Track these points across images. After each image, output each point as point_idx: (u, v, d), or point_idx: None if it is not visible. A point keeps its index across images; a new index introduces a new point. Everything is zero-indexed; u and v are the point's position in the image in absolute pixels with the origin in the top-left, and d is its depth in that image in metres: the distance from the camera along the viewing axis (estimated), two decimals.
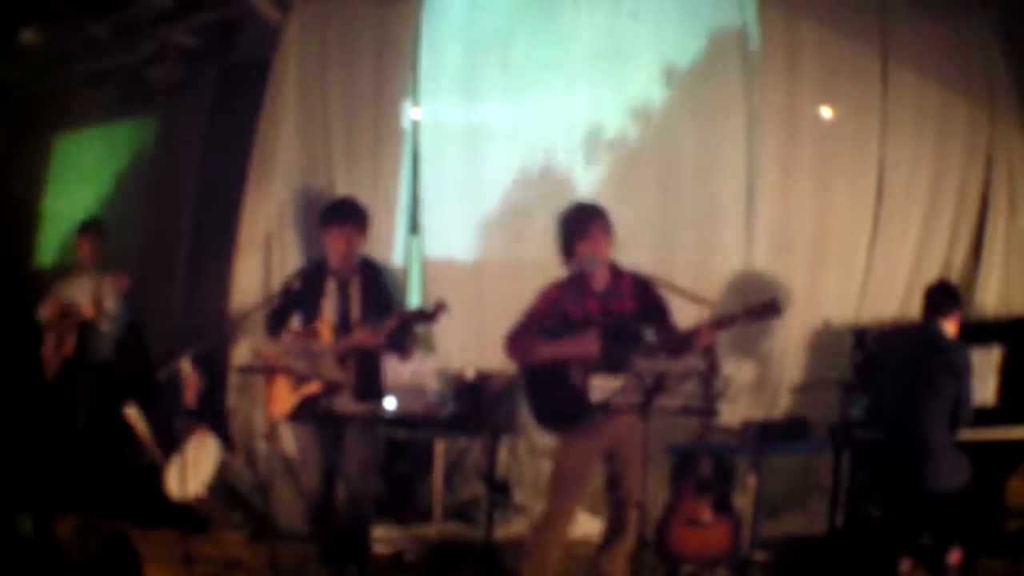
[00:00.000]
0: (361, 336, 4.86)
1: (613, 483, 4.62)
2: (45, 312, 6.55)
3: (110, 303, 6.56)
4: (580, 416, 4.42)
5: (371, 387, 5.03)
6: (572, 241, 4.56)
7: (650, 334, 4.50)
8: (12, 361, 6.81)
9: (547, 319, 4.57)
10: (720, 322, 4.45)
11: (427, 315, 4.84)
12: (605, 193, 6.42)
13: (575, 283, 4.61)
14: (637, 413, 4.34)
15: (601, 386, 4.22)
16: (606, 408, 4.30)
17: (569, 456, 4.58)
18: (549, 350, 4.49)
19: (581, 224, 4.56)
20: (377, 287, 5.12)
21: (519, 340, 4.57)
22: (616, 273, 4.63)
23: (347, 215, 5.09)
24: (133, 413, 5.88)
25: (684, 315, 4.64)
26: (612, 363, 4.34)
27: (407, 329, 5.01)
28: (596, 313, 4.55)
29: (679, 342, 4.41)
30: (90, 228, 6.85)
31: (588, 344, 4.42)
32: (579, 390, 4.40)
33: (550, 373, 4.50)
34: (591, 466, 4.59)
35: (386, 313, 4.96)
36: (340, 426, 4.93)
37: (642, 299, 4.61)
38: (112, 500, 6.08)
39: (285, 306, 5.20)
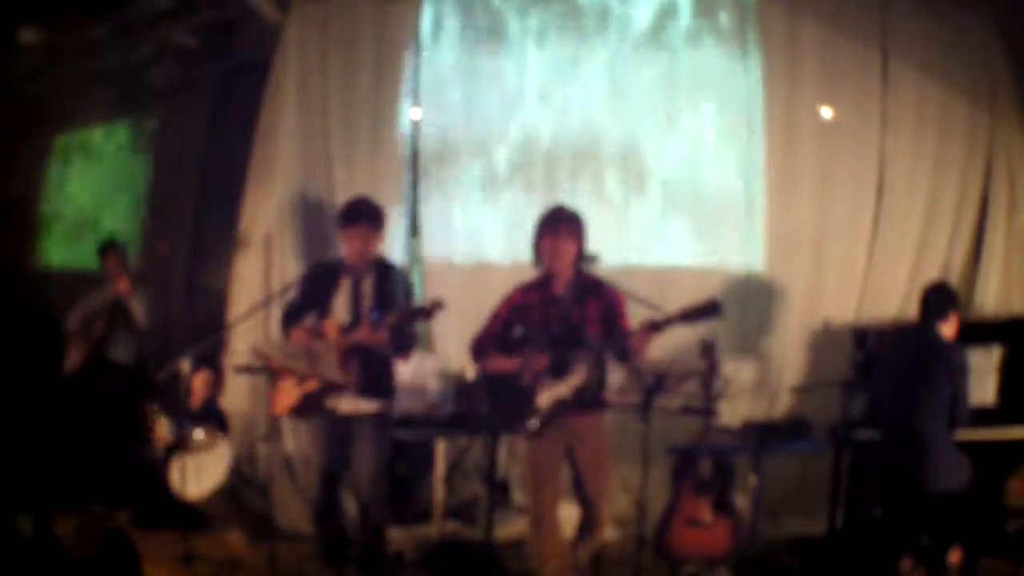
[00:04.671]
0: (363, 334, 4.86)
1: (577, 482, 4.75)
2: (75, 316, 6.61)
3: (141, 291, 6.63)
4: (529, 418, 4.58)
5: (379, 386, 5.01)
6: (540, 235, 4.70)
7: (595, 339, 4.56)
8: (12, 360, 6.81)
9: (508, 324, 4.78)
10: (654, 325, 4.45)
11: (425, 311, 4.83)
12: (606, 194, 6.43)
13: (538, 287, 4.76)
14: (638, 413, 4.38)
15: (548, 392, 4.51)
16: (562, 409, 4.52)
17: (533, 455, 4.74)
18: (500, 363, 4.70)
19: (552, 222, 4.69)
20: (390, 286, 5.08)
21: (477, 346, 4.82)
22: (580, 279, 4.70)
23: (363, 215, 5.10)
24: (156, 413, 5.95)
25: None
26: (557, 368, 4.53)
27: (408, 327, 5.00)
28: (555, 317, 4.65)
29: (618, 347, 4.50)
30: (111, 246, 6.90)
31: (528, 361, 4.58)
32: (529, 394, 4.58)
33: (505, 378, 4.68)
34: (556, 463, 4.71)
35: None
36: (347, 426, 4.91)
37: (598, 303, 4.69)
38: (116, 498, 6.09)
39: (302, 301, 5.18)
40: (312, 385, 4.89)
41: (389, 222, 6.44)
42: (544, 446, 4.67)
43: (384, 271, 5.15)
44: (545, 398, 4.55)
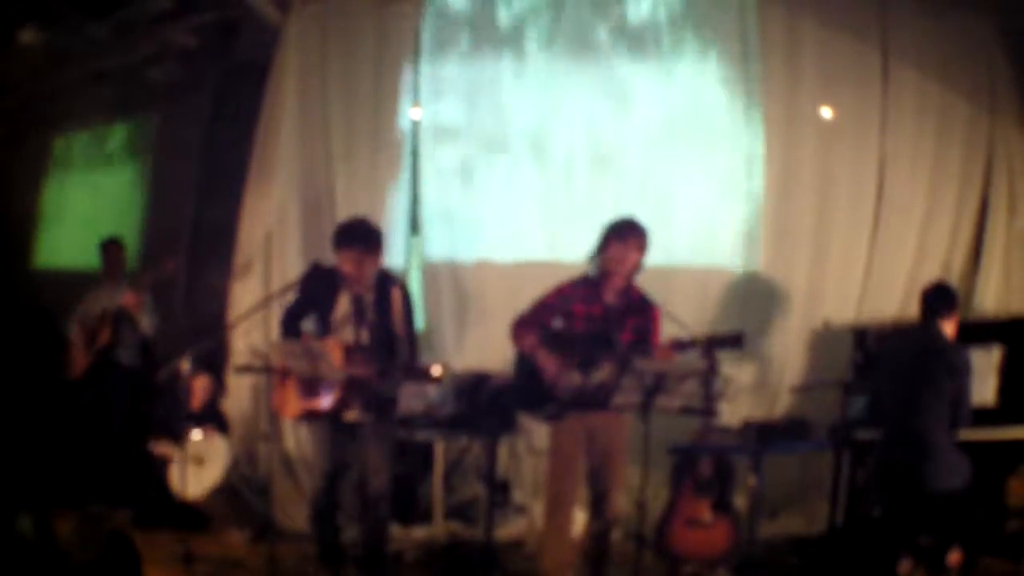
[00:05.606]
0: (364, 373, 4.74)
1: (593, 474, 4.83)
2: (79, 321, 6.60)
3: (146, 301, 6.64)
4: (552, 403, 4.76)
5: (382, 403, 4.94)
6: (609, 240, 4.82)
7: (624, 347, 4.71)
8: (13, 361, 6.81)
9: (552, 311, 4.86)
10: (679, 345, 4.64)
11: (432, 378, 4.84)
12: (606, 194, 6.43)
13: (590, 284, 4.85)
14: (637, 413, 4.40)
15: (571, 383, 4.67)
16: (581, 401, 4.66)
17: (556, 442, 4.86)
18: (534, 348, 4.78)
19: (623, 231, 4.83)
20: (392, 301, 4.91)
21: (519, 327, 4.89)
22: (630, 292, 4.85)
23: (356, 239, 4.87)
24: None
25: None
26: (584, 364, 4.66)
27: (412, 378, 4.95)
28: (599, 317, 4.77)
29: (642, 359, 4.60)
30: (113, 243, 6.97)
31: (554, 368, 4.72)
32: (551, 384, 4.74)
33: (532, 364, 4.79)
34: (578, 453, 4.81)
35: (404, 329, 4.86)
36: (351, 428, 4.89)
37: (638, 317, 4.82)
38: (116, 498, 6.10)
39: (301, 305, 5.04)
40: (315, 404, 4.84)
41: (388, 221, 6.53)
42: (567, 435, 4.79)
43: (387, 286, 4.93)
44: (567, 389, 4.69)
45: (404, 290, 5.03)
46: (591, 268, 4.86)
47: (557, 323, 4.85)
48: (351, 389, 4.76)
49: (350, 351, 4.80)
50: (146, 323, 6.63)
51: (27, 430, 6.21)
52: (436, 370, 4.81)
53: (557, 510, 4.83)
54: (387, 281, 4.98)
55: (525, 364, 4.86)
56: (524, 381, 4.88)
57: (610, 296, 4.82)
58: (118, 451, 6.33)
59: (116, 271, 6.85)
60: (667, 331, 4.82)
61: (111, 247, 6.94)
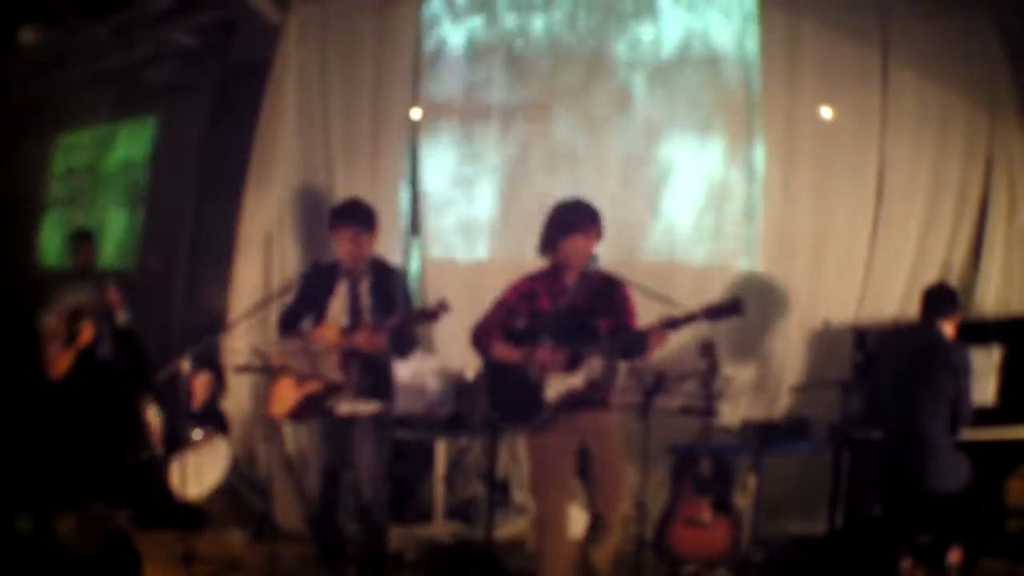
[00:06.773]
0: (362, 339, 4.84)
1: (589, 479, 4.62)
2: (53, 318, 6.56)
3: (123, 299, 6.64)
4: (536, 411, 4.46)
5: (378, 387, 4.99)
6: (563, 234, 4.55)
7: (607, 334, 4.45)
8: (14, 360, 6.80)
9: (514, 312, 4.63)
10: (673, 322, 4.34)
11: (429, 314, 4.79)
12: (606, 192, 6.42)
13: (547, 277, 4.65)
14: (638, 413, 4.39)
15: (558, 385, 4.38)
16: (571, 403, 4.40)
17: (541, 453, 4.58)
18: (507, 351, 4.56)
19: (581, 220, 4.55)
20: (389, 287, 5.04)
21: (481, 334, 4.66)
22: (590, 272, 4.61)
23: (352, 216, 5.04)
24: (151, 411, 5.96)
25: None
26: (569, 361, 4.40)
27: (411, 329, 4.98)
28: (564, 309, 4.54)
29: (633, 342, 4.37)
30: (84, 237, 6.95)
31: (538, 356, 4.46)
32: (536, 386, 4.45)
33: (509, 369, 4.55)
34: (566, 461, 4.56)
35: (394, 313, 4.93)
36: (346, 428, 4.91)
37: (609, 298, 4.59)
38: (116, 498, 6.09)
39: (299, 304, 5.16)
40: (312, 387, 4.89)
41: (388, 221, 6.53)
42: (552, 445, 4.52)
43: (382, 272, 5.11)
44: (553, 391, 4.45)
45: (399, 276, 5.15)
46: (546, 259, 4.63)
47: (521, 324, 4.61)
48: (347, 367, 4.78)
49: (345, 330, 4.88)
50: (122, 317, 6.61)
51: (24, 429, 6.22)
52: (435, 306, 4.70)
53: (547, 526, 4.57)
54: (382, 267, 5.11)
55: (497, 373, 4.62)
56: (500, 391, 4.62)
57: (571, 279, 4.58)
58: (106, 446, 6.32)
59: (87, 266, 6.81)
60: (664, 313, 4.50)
61: (82, 240, 6.90)
